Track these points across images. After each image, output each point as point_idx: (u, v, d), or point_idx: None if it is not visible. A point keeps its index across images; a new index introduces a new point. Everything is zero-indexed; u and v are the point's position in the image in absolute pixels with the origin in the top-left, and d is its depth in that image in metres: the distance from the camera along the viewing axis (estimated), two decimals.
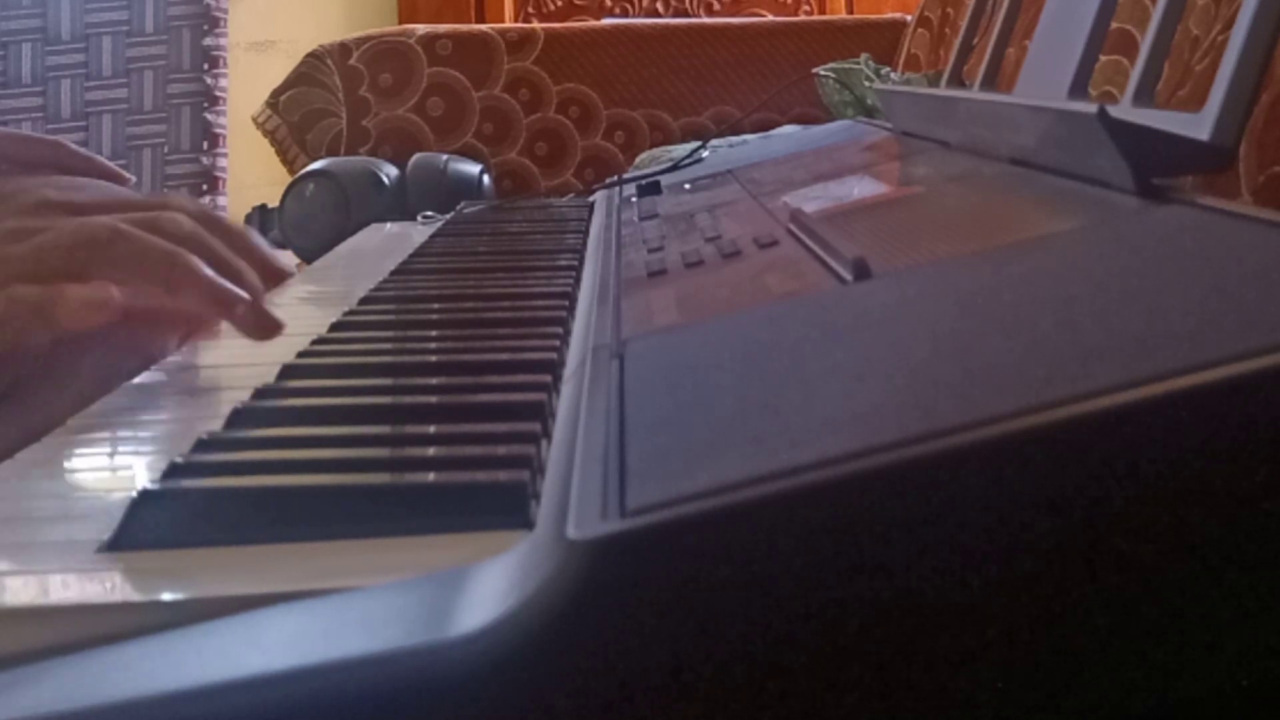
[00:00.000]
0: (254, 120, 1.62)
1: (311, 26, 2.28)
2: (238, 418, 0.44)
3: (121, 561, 0.34)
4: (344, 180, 1.30)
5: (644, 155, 1.41)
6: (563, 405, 0.43)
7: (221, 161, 1.75)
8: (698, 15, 2.41)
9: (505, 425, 0.41)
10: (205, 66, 1.75)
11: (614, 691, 0.24)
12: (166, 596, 0.31)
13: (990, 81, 0.74)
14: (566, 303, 0.61)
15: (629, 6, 2.46)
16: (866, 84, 1.34)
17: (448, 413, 0.45)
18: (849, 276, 0.43)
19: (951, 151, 0.72)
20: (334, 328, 0.61)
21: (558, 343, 0.53)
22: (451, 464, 0.38)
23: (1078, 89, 0.56)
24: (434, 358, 0.56)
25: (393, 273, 0.79)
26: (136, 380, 0.55)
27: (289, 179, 1.35)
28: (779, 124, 1.43)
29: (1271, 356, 0.25)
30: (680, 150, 1.23)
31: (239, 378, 0.54)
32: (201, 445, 0.41)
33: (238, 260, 0.57)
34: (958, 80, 0.83)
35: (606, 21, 1.94)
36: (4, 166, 0.99)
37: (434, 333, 0.61)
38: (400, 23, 2.32)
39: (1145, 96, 0.50)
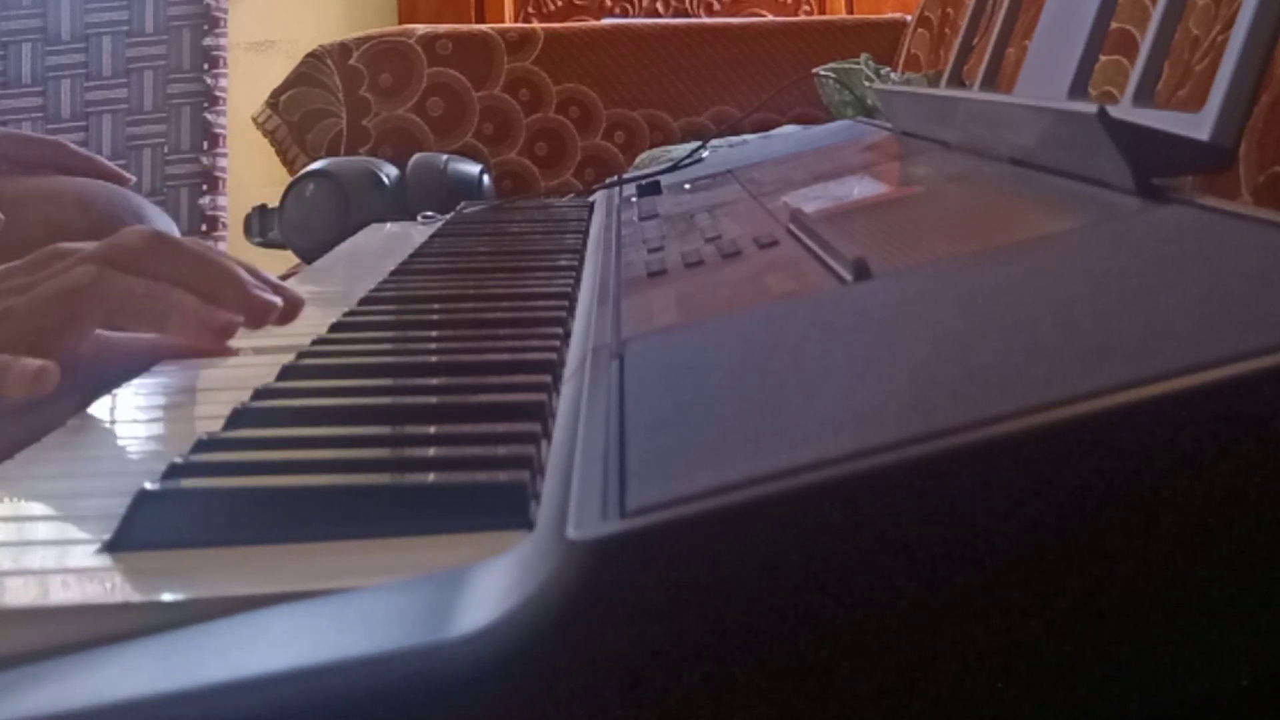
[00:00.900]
0: (254, 120, 1.62)
1: (311, 26, 2.28)
2: (238, 418, 0.44)
3: (121, 562, 0.34)
4: (344, 180, 1.30)
5: (644, 155, 1.41)
6: (563, 405, 0.43)
7: (221, 161, 1.75)
8: (698, 15, 2.41)
9: (505, 425, 0.41)
10: (205, 66, 1.75)
11: (614, 692, 0.24)
12: (167, 596, 0.31)
13: (990, 81, 0.74)
14: (566, 303, 0.61)
15: (629, 6, 2.46)
16: (866, 84, 1.34)
17: (448, 413, 0.45)
18: (849, 276, 0.43)
19: (951, 151, 0.72)
20: (334, 328, 0.61)
21: (558, 343, 0.53)
22: (451, 464, 0.38)
23: (1078, 89, 0.56)
24: (434, 358, 0.56)
25: (392, 273, 0.79)
26: (136, 380, 0.55)
27: (289, 179, 1.35)
28: (779, 124, 1.43)
29: (1271, 356, 0.25)
30: (680, 150, 1.23)
31: (239, 378, 0.54)
32: (201, 445, 0.41)
33: (213, 259, 0.57)
34: (958, 80, 0.83)
35: (606, 21, 1.94)
36: (4, 166, 0.99)
37: (434, 333, 0.61)
38: (400, 23, 2.32)
39: (1145, 96, 0.50)
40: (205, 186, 1.74)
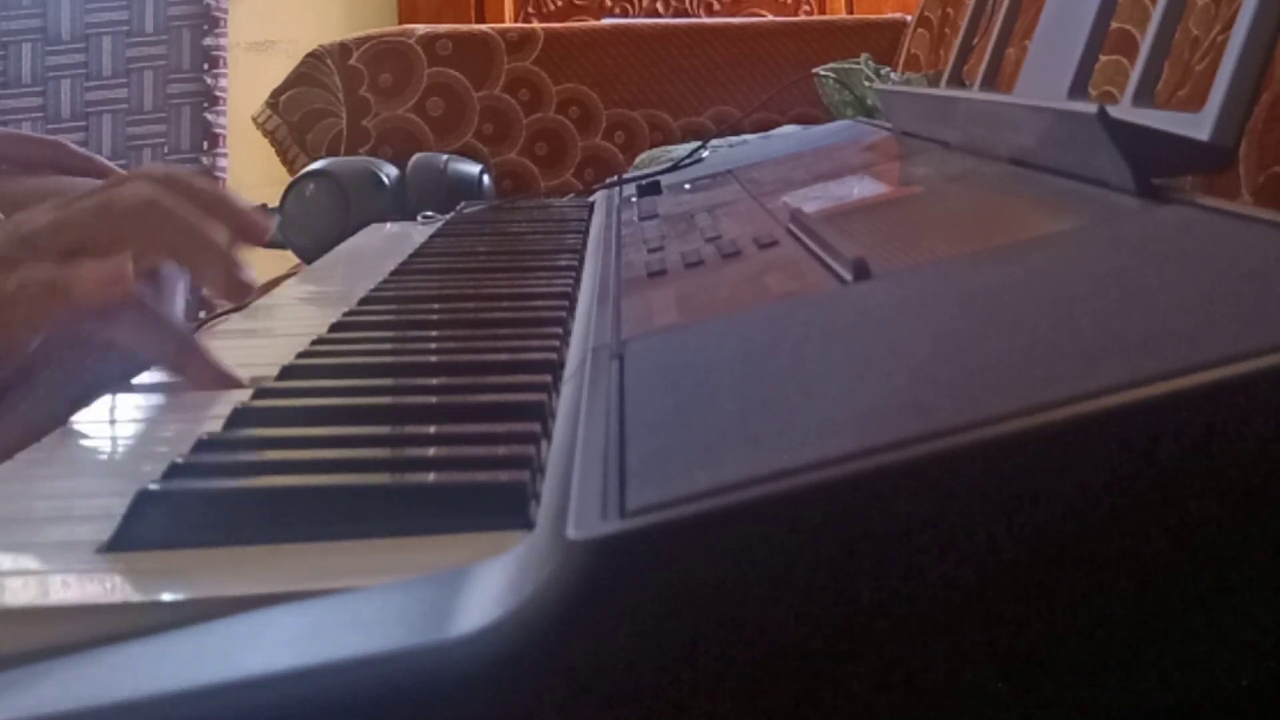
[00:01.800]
0: (254, 120, 1.62)
1: (311, 26, 2.28)
2: (238, 418, 0.44)
3: (121, 562, 0.34)
4: (344, 180, 1.30)
5: (644, 155, 1.41)
6: (563, 405, 0.43)
7: (221, 161, 1.75)
8: (698, 15, 2.41)
9: (505, 425, 0.41)
10: (205, 66, 1.75)
11: (614, 691, 0.24)
12: (166, 597, 0.31)
13: (990, 81, 0.74)
14: (566, 303, 0.61)
15: (629, 6, 2.46)
16: (866, 84, 1.34)
17: (448, 413, 0.45)
18: (849, 276, 0.43)
19: (951, 151, 0.72)
20: (334, 328, 0.61)
21: (558, 343, 0.53)
22: (451, 464, 0.38)
23: (1078, 89, 0.56)
24: (434, 358, 0.56)
25: (393, 273, 0.79)
26: (136, 380, 0.55)
27: (289, 179, 1.35)
28: (779, 124, 1.43)
29: (1271, 356, 0.25)
30: (680, 150, 1.23)
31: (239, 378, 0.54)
32: (201, 445, 0.41)
33: (202, 219, 0.55)
34: (958, 80, 0.83)
35: (606, 21, 1.94)
36: (4, 166, 0.99)
37: (434, 333, 0.61)
38: (400, 23, 2.32)
39: (1145, 96, 0.50)
40: None
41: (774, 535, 0.25)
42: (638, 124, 1.58)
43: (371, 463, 0.40)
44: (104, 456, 0.46)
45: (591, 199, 1.10)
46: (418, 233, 1.05)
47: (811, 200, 0.66)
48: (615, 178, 1.18)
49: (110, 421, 0.50)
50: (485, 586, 0.27)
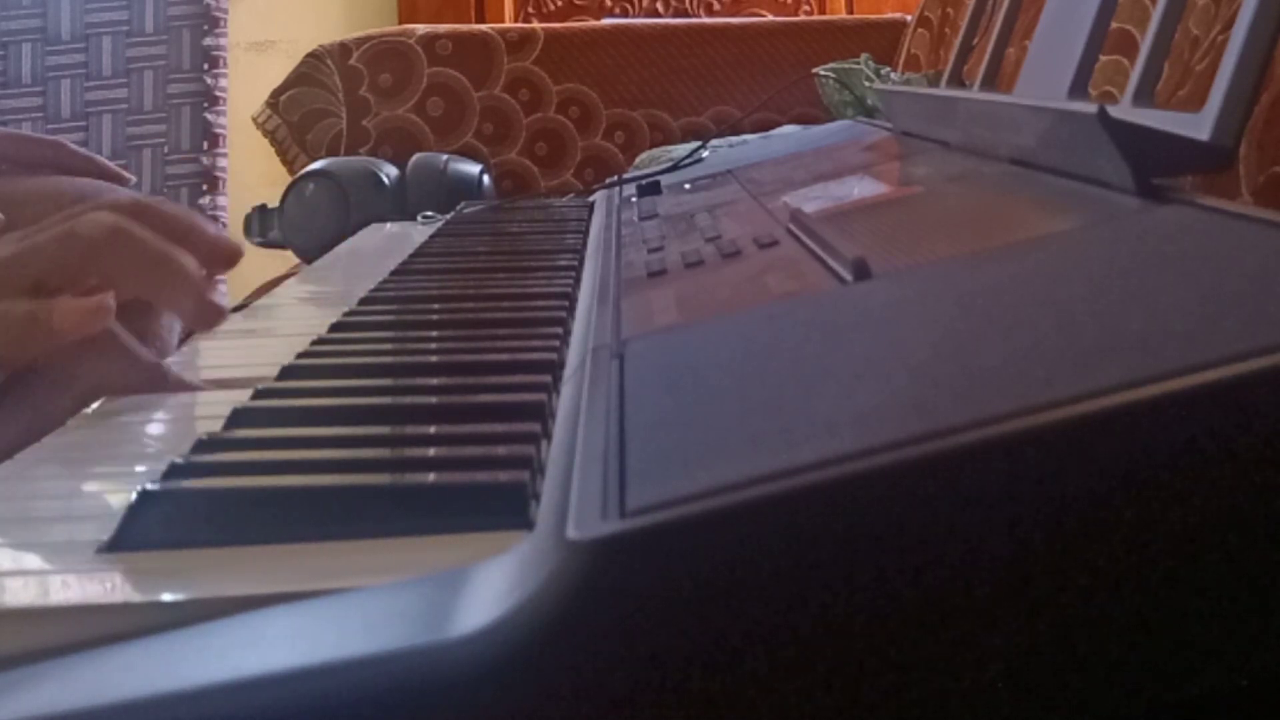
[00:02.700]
0: (254, 120, 1.62)
1: (311, 26, 2.28)
2: (238, 418, 0.44)
3: (121, 562, 0.34)
4: (344, 180, 1.30)
5: (644, 155, 1.41)
6: (563, 405, 0.43)
7: (221, 161, 1.75)
8: (698, 15, 2.41)
9: (505, 426, 0.41)
10: (205, 66, 1.75)
11: (614, 691, 0.24)
12: (166, 597, 0.31)
13: (990, 81, 0.74)
14: (566, 303, 0.61)
15: (629, 6, 2.46)
16: (866, 84, 1.34)
17: (448, 413, 0.45)
18: (849, 276, 0.43)
19: (951, 151, 0.72)
20: (334, 328, 0.61)
21: (558, 343, 0.53)
22: (451, 464, 0.38)
23: (1078, 89, 0.56)
24: (434, 358, 0.56)
25: (392, 273, 0.79)
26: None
27: (289, 179, 1.35)
28: (779, 124, 1.43)
29: (1271, 356, 0.25)
30: (680, 150, 1.23)
31: (239, 378, 0.54)
32: (201, 445, 0.41)
33: (170, 247, 0.55)
34: (958, 80, 0.83)
35: (606, 21, 1.94)
36: (4, 166, 0.99)
37: (434, 333, 0.61)
38: (400, 23, 2.32)
39: (1145, 96, 0.50)
40: (205, 186, 1.73)
41: (774, 535, 0.25)
42: (638, 124, 1.58)
43: (371, 463, 0.40)
44: (104, 456, 0.46)
45: (591, 199, 1.10)
46: (418, 233, 1.05)
47: (811, 200, 0.66)
48: (615, 178, 1.18)
49: (110, 421, 0.50)
50: (485, 586, 0.27)
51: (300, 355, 0.55)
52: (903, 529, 0.25)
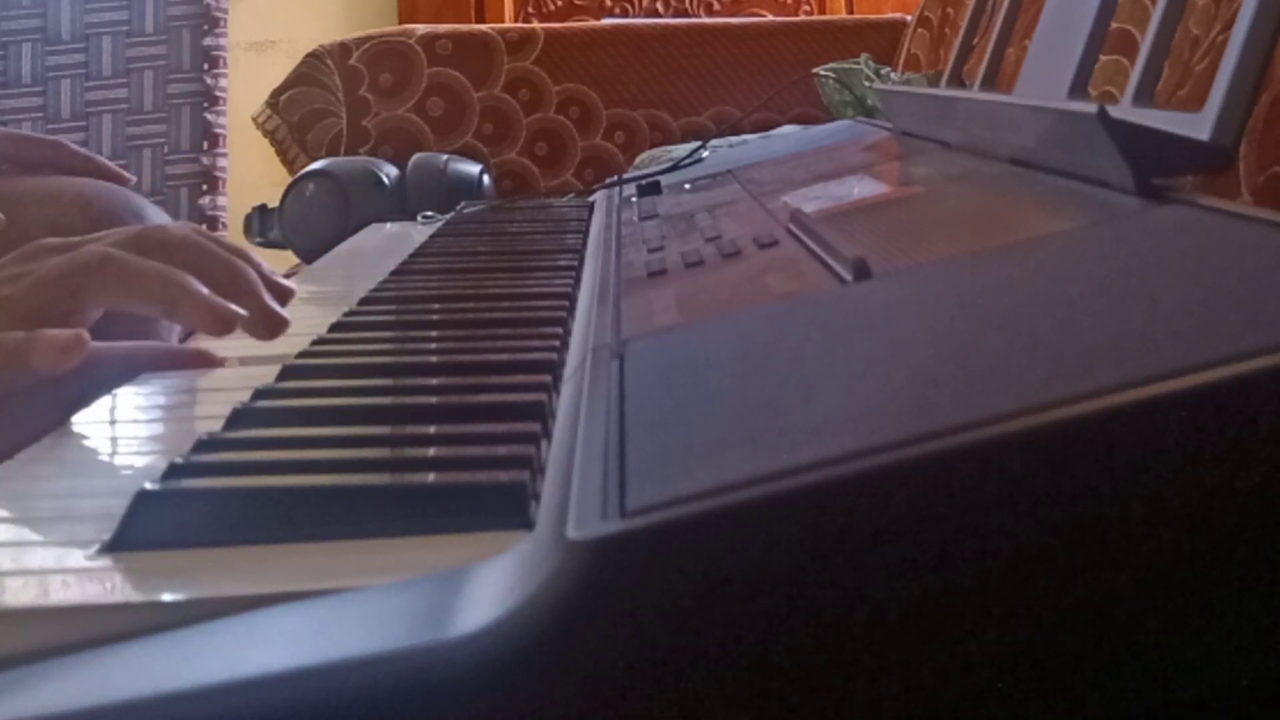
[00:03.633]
0: (254, 120, 1.62)
1: (311, 26, 2.28)
2: (238, 418, 0.44)
3: (121, 562, 0.34)
4: (344, 180, 1.30)
5: (644, 155, 1.41)
6: (563, 405, 0.43)
7: (221, 161, 1.75)
8: (698, 15, 2.41)
9: (505, 425, 0.41)
10: (205, 66, 1.75)
11: (614, 691, 0.24)
12: (166, 597, 0.31)
13: (990, 81, 0.74)
14: (566, 303, 0.61)
15: (629, 6, 2.46)
16: (866, 84, 1.34)
17: (448, 413, 0.45)
18: (849, 276, 0.43)
19: (951, 151, 0.72)
20: (334, 328, 0.61)
21: (558, 343, 0.53)
22: (451, 464, 0.38)
23: (1078, 89, 0.56)
24: (434, 358, 0.56)
25: (392, 273, 0.79)
26: (135, 381, 0.55)
27: (289, 179, 1.35)
28: (779, 124, 1.43)
29: (1271, 356, 0.25)
30: (680, 150, 1.23)
31: (239, 378, 0.54)
32: (201, 445, 0.41)
33: (234, 259, 0.57)
34: (958, 80, 0.83)
35: (606, 21, 1.94)
36: (4, 166, 0.99)
37: (434, 333, 0.61)
38: (400, 23, 2.32)
39: (1145, 96, 0.50)
40: (205, 186, 1.73)
41: (774, 535, 0.25)
42: (638, 124, 1.58)
43: (371, 463, 0.40)
44: (104, 456, 0.46)
45: (591, 199, 1.10)
46: (418, 233, 1.05)
47: (811, 200, 0.66)
48: (615, 178, 1.18)
49: (110, 421, 0.50)
50: (485, 586, 0.27)
51: (300, 355, 0.55)
52: (902, 529, 0.25)
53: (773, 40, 1.63)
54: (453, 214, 1.16)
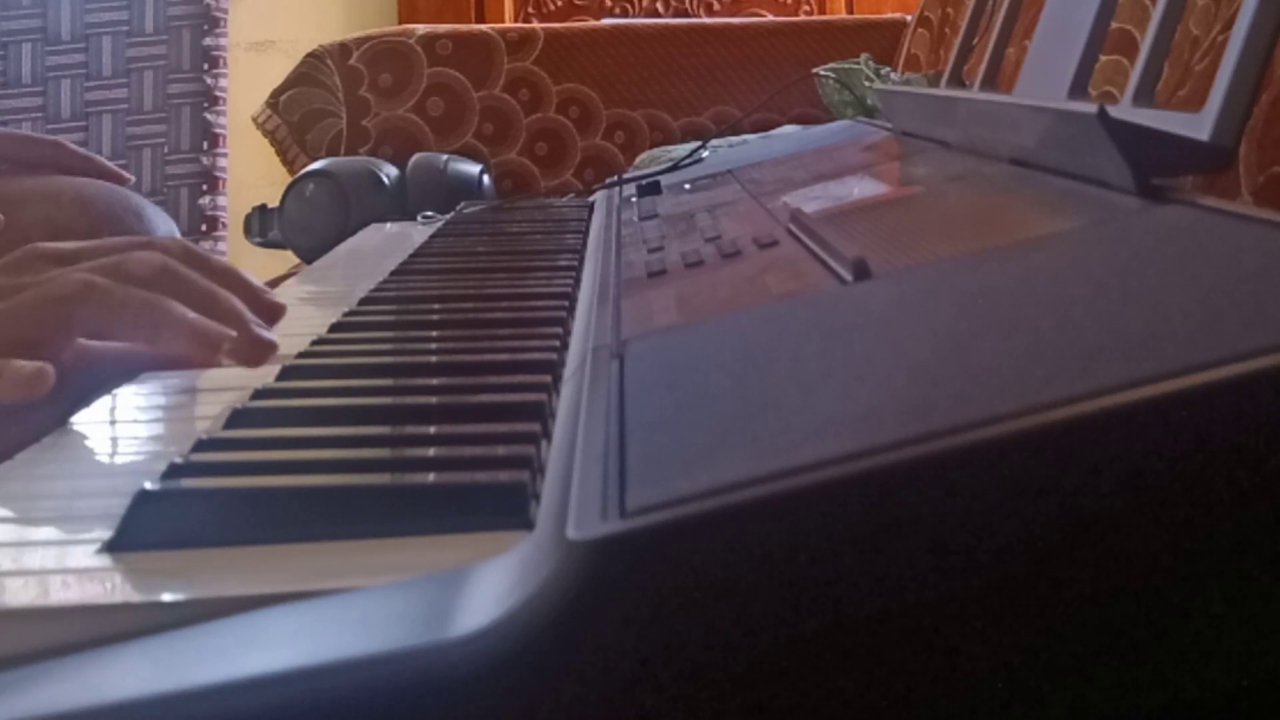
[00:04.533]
0: (254, 120, 1.62)
1: (311, 26, 2.28)
2: (238, 418, 0.44)
3: (121, 562, 0.34)
4: (344, 180, 1.30)
5: (644, 155, 1.41)
6: (563, 405, 0.43)
7: (221, 161, 1.75)
8: (698, 15, 2.41)
9: (505, 426, 0.41)
10: (205, 66, 1.75)
11: (614, 691, 0.24)
12: (167, 597, 0.31)
13: (990, 81, 0.74)
14: (566, 303, 0.61)
15: (629, 6, 2.46)
16: (866, 84, 1.34)
17: (448, 413, 0.45)
18: (849, 276, 0.43)
19: (951, 151, 0.72)
20: (334, 328, 0.61)
21: (558, 343, 0.53)
22: (451, 464, 0.38)
23: (1078, 89, 0.56)
24: (434, 358, 0.56)
25: (393, 273, 0.79)
26: (135, 381, 0.55)
27: (289, 179, 1.35)
28: (779, 124, 1.43)
29: (1271, 356, 0.25)
30: (680, 150, 1.23)
31: (239, 378, 0.54)
32: (201, 445, 0.41)
33: (216, 288, 0.56)
34: (958, 80, 0.83)
35: (606, 21, 1.94)
36: (4, 166, 0.99)
37: (434, 333, 0.61)
38: (400, 23, 2.32)
39: (1145, 96, 0.50)
40: (205, 186, 1.73)
41: (774, 535, 0.25)
42: (638, 124, 1.58)
43: (371, 463, 0.40)
44: (104, 456, 0.46)
45: (591, 199, 1.10)
46: (418, 233, 1.05)
47: (811, 200, 0.66)
48: (615, 178, 1.18)
49: (110, 421, 0.50)
50: (485, 586, 0.27)
51: (300, 355, 0.55)
52: (902, 529, 0.25)
53: (773, 40, 1.63)
54: (453, 214, 1.16)
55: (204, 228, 1.73)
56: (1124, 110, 0.48)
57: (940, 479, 0.25)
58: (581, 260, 0.76)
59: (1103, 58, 0.58)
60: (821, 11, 2.46)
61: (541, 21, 2.31)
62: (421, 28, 1.63)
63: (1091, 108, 0.47)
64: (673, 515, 0.25)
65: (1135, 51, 0.51)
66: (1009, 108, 0.61)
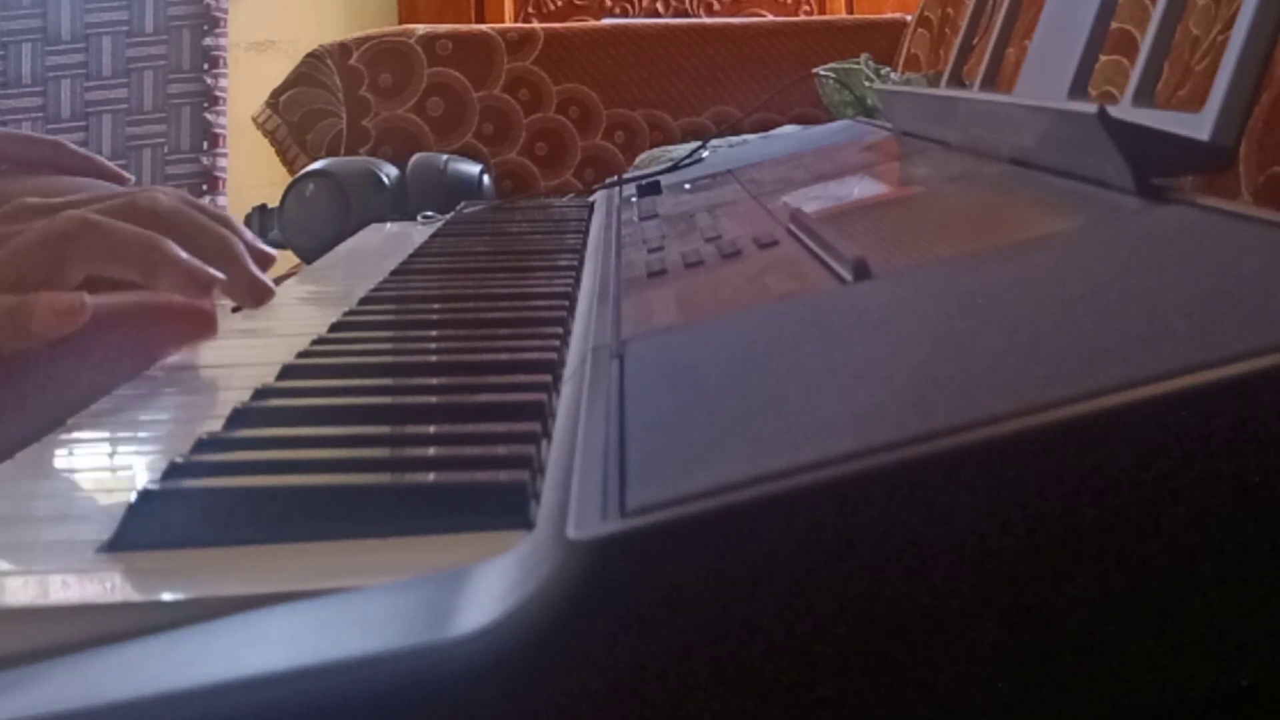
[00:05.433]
0: (254, 120, 1.62)
1: (311, 26, 2.28)
2: (238, 418, 0.44)
3: (121, 561, 0.34)
4: (344, 180, 1.30)
5: (644, 155, 1.41)
6: (563, 405, 0.43)
7: (221, 161, 1.75)
8: (698, 15, 2.41)
9: (505, 425, 0.41)
10: (205, 66, 1.75)
11: (614, 691, 0.24)
12: (166, 596, 0.31)
13: (990, 81, 0.74)
14: (566, 303, 0.61)
15: (629, 6, 2.46)
16: (866, 84, 1.34)
17: (448, 413, 0.45)
18: (849, 276, 0.43)
19: (951, 151, 0.72)
20: (334, 328, 0.61)
21: (558, 343, 0.53)
22: (451, 464, 0.38)
23: (1078, 89, 0.56)
24: (434, 358, 0.56)
25: (393, 273, 0.79)
26: (136, 380, 0.55)
27: (289, 179, 1.35)
28: (779, 124, 1.43)
29: (1271, 356, 0.25)
30: (680, 150, 1.23)
31: (239, 378, 0.54)
32: (201, 445, 0.41)
33: (215, 226, 0.57)
34: (958, 80, 0.83)
35: (606, 21, 1.94)
36: (4, 166, 0.99)
37: (434, 333, 0.61)
38: (400, 23, 2.32)
39: (1145, 96, 0.50)
40: (205, 186, 1.74)
41: (774, 535, 0.25)
42: (638, 124, 1.58)
43: (371, 463, 0.40)
44: (104, 456, 0.46)
45: (591, 199, 1.10)
46: (418, 233, 1.05)
47: (811, 200, 0.66)
48: (615, 178, 1.18)
49: (111, 421, 0.50)
50: (485, 586, 0.27)
51: (300, 355, 0.55)
52: (902, 529, 0.25)
53: (773, 40, 1.63)
54: (453, 214, 1.16)
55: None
56: (1124, 110, 0.48)
57: (940, 479, 0.25)
58: (581, 260, 0.76)
59: (1103, 58, 0.58)
60: (821, 11, 2.46)
61: (541, 21, 2.32)
62: (421, 28, 1.63)
63: (1091, 108, 0.47)
64: (673, 515, 0.25)
65: (1135, 51, 0.51)
66: (1009, 108, 0.61)
